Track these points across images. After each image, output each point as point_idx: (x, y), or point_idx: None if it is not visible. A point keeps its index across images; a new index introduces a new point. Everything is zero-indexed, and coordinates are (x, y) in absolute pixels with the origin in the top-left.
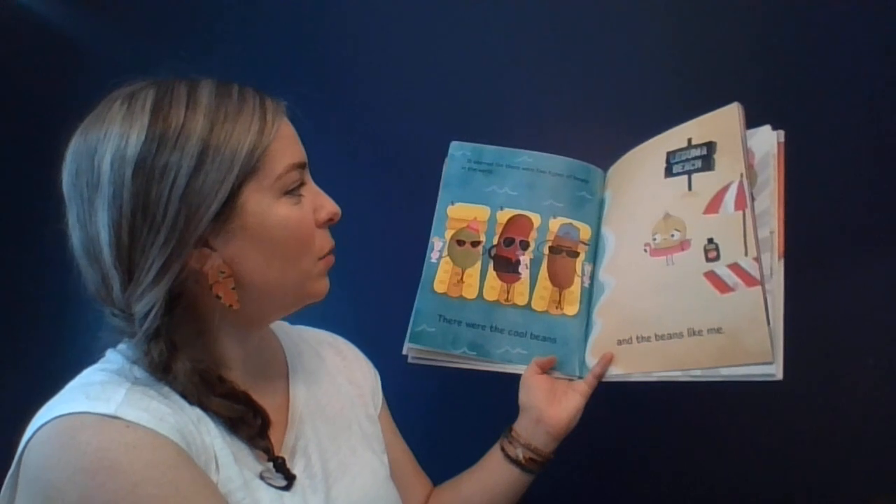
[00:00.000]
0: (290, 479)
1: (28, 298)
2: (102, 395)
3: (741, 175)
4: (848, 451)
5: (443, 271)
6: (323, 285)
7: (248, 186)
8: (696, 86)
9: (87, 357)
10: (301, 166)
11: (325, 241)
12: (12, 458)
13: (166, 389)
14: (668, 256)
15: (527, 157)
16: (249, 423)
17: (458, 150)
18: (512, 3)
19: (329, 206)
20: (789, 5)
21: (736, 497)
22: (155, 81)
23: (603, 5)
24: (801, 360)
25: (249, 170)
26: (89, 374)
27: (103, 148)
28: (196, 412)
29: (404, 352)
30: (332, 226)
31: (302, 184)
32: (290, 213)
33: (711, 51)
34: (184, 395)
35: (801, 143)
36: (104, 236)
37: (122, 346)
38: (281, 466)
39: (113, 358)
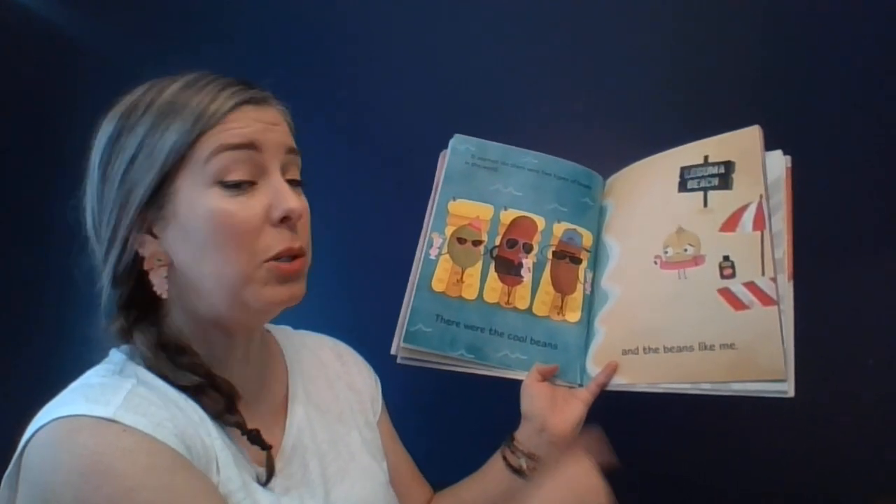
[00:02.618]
0: (266, 447)
1: (28, 299)
2: (101, 398)
3: (760, 196)
4: (848, 451)
5: (442, 269)
6: (275, 293)
7: (180, 175)
8: (699, 100)
9: (87, 357)
10: (237, 148)
11: (275, 240)
12: (11, 458)
13: (171, 391)
14: (681, 270)
15: (532, 157)
16: (214, 399)
17: (461, 144)
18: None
19: (285, 203)
20: (794, 20)
21: (736, 497)
22: (164, 78)
23: (609, 13)
24: (801, 361)
25: (178, 157)
26: (90, 376)
27: (96, 139)
28: (198, 413)
29: (393, 351)
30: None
31: (251, 177)
32: (219, 204)
33: (715, 68)
34: (167, 378)
35: (798, 146)
36: (88, 217)
37: (125, 346)
38: (256, 438)
39: (116, 358)
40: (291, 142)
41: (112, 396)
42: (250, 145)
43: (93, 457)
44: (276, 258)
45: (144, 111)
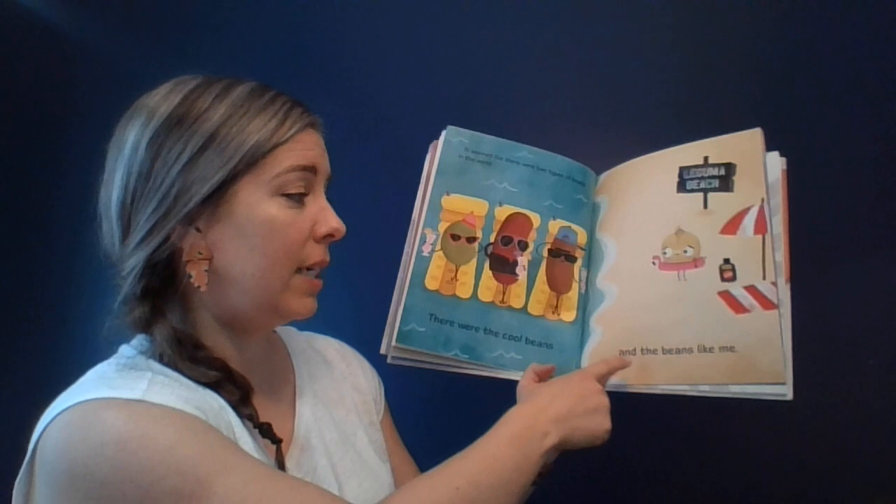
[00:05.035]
0: (276, 440)
1: (28, 300)
2: (126, 385)
3: (762, 199)
4: (848, 452)
5: (435, 267)
6: (302, 304)
7: (246, 178)
8: (693, 97)
9: (87, 359)
10: (304, 169)
11: (314, 253)
12: (11, 456)
13: (187, 381)
14: (680, 272)
15: (527, 152)
16: (230, 392)
17: (455, 137)
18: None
19: (331, 222)
20: (792, 18)
21: (736, 497)
22: (209, 75)
23: (607, 7)
24: (800, 362)
25: (251, 163)
26: (105, 368)
27: (136, 118)
28: (218, 401)
29: (383, 351)
30: (335, 242)
31: (305, 192)
32: (279, 213)
33: (711, 66)
34: (178, 368)
35: (798, 147)
36: (115, 193)
37: (135, 342)
38: (267, 432)
39: (127, 353)
40: (330, 170)
41: (136, 383)
42: (312, 168)
43: (125, 426)
44: (310, 269)
45: (214, 102)
